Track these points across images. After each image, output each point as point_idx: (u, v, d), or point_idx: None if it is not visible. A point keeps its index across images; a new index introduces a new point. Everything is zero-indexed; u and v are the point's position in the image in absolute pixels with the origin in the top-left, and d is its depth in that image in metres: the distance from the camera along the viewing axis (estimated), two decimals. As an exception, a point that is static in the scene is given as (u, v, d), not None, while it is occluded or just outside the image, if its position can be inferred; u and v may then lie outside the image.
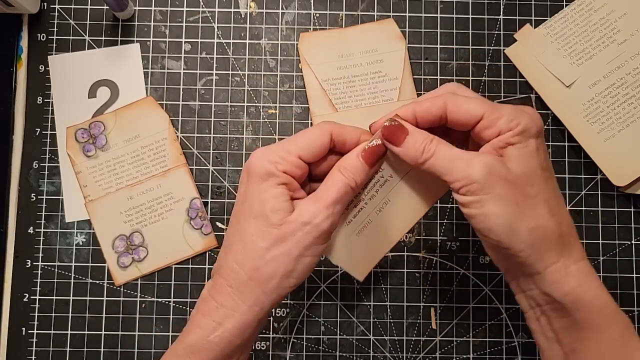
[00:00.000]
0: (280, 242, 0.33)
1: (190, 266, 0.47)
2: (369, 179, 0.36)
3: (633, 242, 0.48)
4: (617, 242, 0.48)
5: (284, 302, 0.47)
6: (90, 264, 0.47)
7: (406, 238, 0.48)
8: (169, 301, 0.47)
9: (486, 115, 0.32)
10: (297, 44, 0.49)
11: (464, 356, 0.47)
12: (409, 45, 0.49)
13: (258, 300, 0.33)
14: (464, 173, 0.32)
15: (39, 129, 0.48)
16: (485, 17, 0.49)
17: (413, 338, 0.47)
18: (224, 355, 0.34)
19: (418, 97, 0.48)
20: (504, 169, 0.31)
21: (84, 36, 0.49)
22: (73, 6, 0.49)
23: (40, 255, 0.47)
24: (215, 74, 0.49)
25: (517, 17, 0.49)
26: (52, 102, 0.48)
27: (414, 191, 0.37)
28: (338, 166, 0.34)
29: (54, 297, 0.47)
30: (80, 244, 0.47)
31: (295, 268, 0.33)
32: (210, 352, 0.33)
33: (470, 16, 0.49)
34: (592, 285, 0.32)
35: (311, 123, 0.48)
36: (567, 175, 0.48)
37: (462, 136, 0.36)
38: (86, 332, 0.47)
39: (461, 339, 0.47)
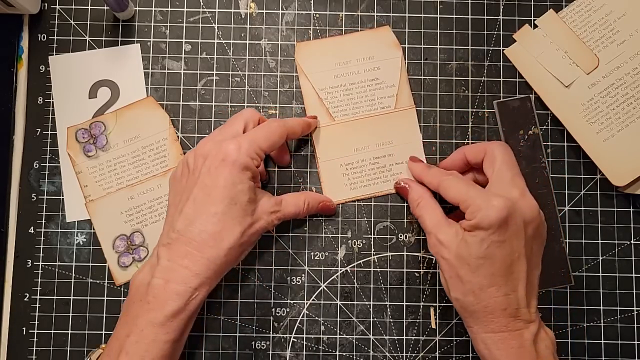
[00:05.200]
0: (252, 229, 0.41)
1: (190, 266, 0.47)
2: None
3: (632, 242, 0.48)
4: (616, 242, 0.48)
5: (283, 301, 0.47)
6: (90, 264, 0.47)
7: (406, 238, 0.48)
8: (170, 301, 0.47)
9: (462, 200, 0.40)
10: (295, 47, 0.49)
11: (464, 356, 0.47)
12: (409, 45, 0.49)
13: (221, 272, 0.40)
14: (429, 241, 0.41)
15: (39, 129, 0.48)
16: (485, 17, 0.49)
17: (413, 337, 0.47)
18: (193, 315, 0.40)
19: (415, 102, 0.49)
20: (445, 250, 0.40)
21: (84, 36, 0.49)
22: (73, 6, 0.49)
23: (41, 255, 0.47)
24: (216, 74, 0.49)
25: (517, 18, 0.49)
26: (52, 102, 0.48)
27: None
28: (306, 198, 0.45)
29: (55, 297, 0.47)
30: (81, 243, 0.47)
31: (246, 251, 0.43)
32: (187, 313, 0.39)
33: (469, 17, 0.49)
34: (496, 353, 0.38)
35: (311, 123, 0.48)
36: (566, 175, 0.48)
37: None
38: (87, 332, 0.47)
39: (460, 339, 0.47)
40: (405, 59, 0.49)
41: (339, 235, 0.48)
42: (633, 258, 0.48)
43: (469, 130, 0.48)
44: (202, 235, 0.39)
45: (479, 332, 0.39)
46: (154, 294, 0.38)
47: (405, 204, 0.48)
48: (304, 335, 0.47)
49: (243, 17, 0.49)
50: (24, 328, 0.47)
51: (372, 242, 0.48)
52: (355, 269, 0.48)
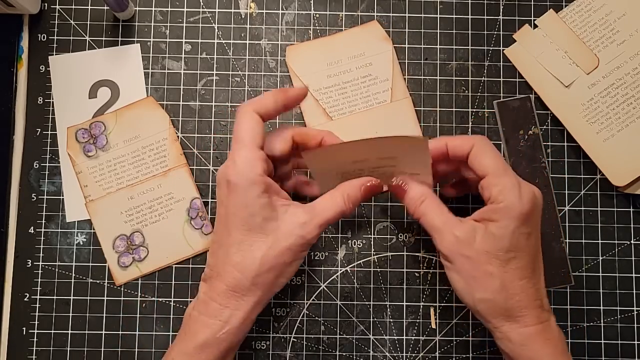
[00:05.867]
0: (274, 251, 0.37)
1: (190, 266, 0.47)
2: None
3: (632, 242, 0.48)
4: (616, 242, 0.48)
5: (284, 301, 0.47)
6: (90, 264, 0.47)
7: (406, 238, 0.48)
8: (170, 301, 0.47)
9: (489, 178, 0.37)
10: (286, 51, 0.49)
11: (464, 356, 0.47)
12: (409, 45, 0.49)
13: (259, 300, 0.39)
14: (438, 244, 0.38)
15: (39, 129, 0.48)
16: (485, 17, 0.49)
17: (412, 337, 0.47)
18: (230, 348, 0.39)
19: (410, 96, 0.49)
20: (466, 247, 0.37)
21: (84, 36, 0.49)
22: (73, 6, 0.49)
23: (41, 255, 0.47)
24: (216, 74, 0.49)
25: (517, 18, 0.49)
26: (52, 102, 0.48)
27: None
28: (342, 191, 0.39)
29: (55, 297, 0.47)
30: (81, 243, 0.47)
31: (287, 270, 0.39)
32: (219, 347, 0.38)
33: (469, 17, 0.49)
34: (535, 347, 0.37)
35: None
36: (566, 175, 0.48)
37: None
38: (87, 332, 0.47)
39: (460, 339, 0.47)
40: (405, 59, 0.49)
41: (339, 235, 0.48)
42: (633, 258, 0.48)
43: (469, 130, 0.48)
44: (227, 268, 0.38)
45: (512, 329, 0.37)
46: (189, 325, 0.39)
47: (405, 204, 0.48)
48: (304, 335, 0.47)
49: (243, 17, 0.49)
50: (24, 328, 0.47)
51: (372, 242, 0.48)
52: (355, 269, 0.48)
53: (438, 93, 0.49)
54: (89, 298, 0.47)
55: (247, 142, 0.37)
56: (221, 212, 0.38)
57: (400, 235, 0.48)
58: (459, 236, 0.37)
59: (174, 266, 0.47)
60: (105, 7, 0.49)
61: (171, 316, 0.47)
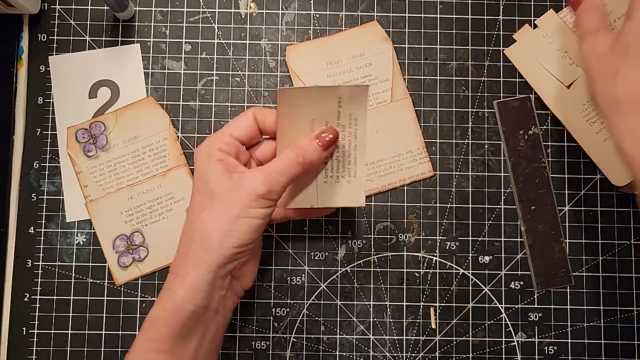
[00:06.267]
0: (218, 205, 0.37)
1: (190, 266, 0.47)
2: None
3: (632, 242, 0.48)
4: (616, 242, 0.48)
5: (283, 301, 0.47)
6: (90, 264, 0.47)
7: (406, 238, 0.48)
8: (170, 301, 0.47)
9: None
10: (286, 51, 0.49)
11: (464, 356, 0.47)
12: (409, 45, 0.49)
13: (201, 261, 0.36)
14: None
15: (39, 129, 0.48)
16: (485, 17, 0.49)
17: (412, 337, 0.47)
18: (180, 324, 0.36)
19: (410, 96, 0.48)
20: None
21: (84, 36, 0.49)
22: (73, 6, 0.49)
23: (41, 255, 0.47)
24: (216, 74, 0.49)
25: (517, 18, 0.49)
26: (52, 102, 0.48)
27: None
28: (292, 146, 0.39)
29: (55, 297, 0.47)
30: (81, 243, 0.47)
31: (234, 227, 0.36)
32: (167, 322, 0.36)
33: (469, 17, 0.49)
34: None
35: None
36: (566, 175, 0.48)
37: None
38: (87, 332, 0.47)
39: (460, 339, 0.47)
40: (405, 59, 0.49)
41: (339, 235, 0.48)
42: (633, 258, 0.48)
43: (469, 130, 0.48)
44: (181, 237, 0.39)
45: None
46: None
47: (406, 204, 0.48)
48: (304, 335, 0.47)
49: (243, 17, 0.49)
50: (24, 328, 0.47)
51: (372, 242, 0.48)
52: (355, 269, 0.48)
53: (438, 93, 0.49)
54: (89, 298, 0.47)
55: (223, 128, 0.40)
56: (193, 186, 0.39)
57: (400, 235, 0.48)
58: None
59: (174, 266, 0.47)
60: (105, 7, 0.49)
61: (171, 316, 0.47)
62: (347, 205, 0.42)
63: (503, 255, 0.48)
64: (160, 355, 0.36)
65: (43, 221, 0.47)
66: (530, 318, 0.47)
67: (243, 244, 0.37)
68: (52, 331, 0.47)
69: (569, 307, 0.47)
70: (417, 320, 0.47)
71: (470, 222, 0.48)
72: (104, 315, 0.47)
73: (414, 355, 0.47)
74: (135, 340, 0.37)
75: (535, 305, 0.47)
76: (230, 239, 0.36)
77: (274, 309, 0.47)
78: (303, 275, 0.47)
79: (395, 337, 0.47)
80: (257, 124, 0.40)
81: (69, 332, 0.47)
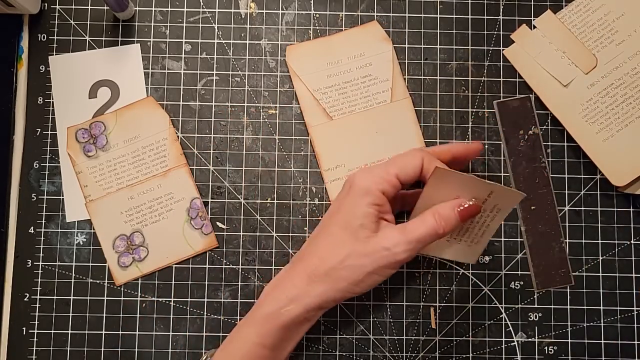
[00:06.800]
0: (359, 256, 0.39)
1: (190, 266, 0.47)
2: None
3: (632, 242, 0.48)
4: (616, 242, 0.48)
5: (284, 301, 0.47)
6: (90, 264, 0.47)
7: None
8: (170, 301, 0.47)
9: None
10: (286, 50, 0.49)
11: (464, 356, 0.47)
12: (409, 45, 0.49)
13: (326, 293, 0.39)
14: None
15: (39, 129, 0.48)
16: (485, 17, 0.49)
17: (412, 337, 0.47)
18: (288, 327, 0.40)
19: (410, 96, 0.49)
20: None
21: (84, 36, 0.49)
22: (73, 6, 0.49)
23: (41, 255, 0.47)
24: (216, 74, 0.49)
25: (517, 18, 0.49)
26: (52, 102, 0.48)
27: None
28: (433, 211, 0.39)
29: (55, 297, 0.47)
30: (81, 243, 0.47)
31: (364, 280, 0.39)
32: (280, 321, 0.39)
33: (469, 17, 0.50)
34: None
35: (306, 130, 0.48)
36: (566, 175, 0.48)
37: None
38: (87, 332, 0.47)
39: (460, 339, 0.47)
40: (405, 59, 0.49)
41: (339, 235, 0.48)
42: (633, 258, 0.48)
43: (469, 130, 0.49)
44: (311, 255, 0.40)
45: None
46: (261, 299, 0.41)
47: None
48: (304, 335, 0.47)
49: (243, 17, 0.49)
50: (24, 328, 0.46)
51: (372, 242, 0.48)
52: (355, 268, 0.47)
53: (438, 93, 0.49)
54: (89, 298, 0.47)
55: (390, 165, 0.40)
56: (334, 207, 0.41)
57: (400, 235, 0.48)
58: None
59: (173, 266, 0.47)
60: (105, 7, 0.49)
61: (171, 316, 0.47)
62: (458, 260, 0.43)
63: (503, 255, 0.48)
64: (265, 351, 0.39)
65: (43, 221, 0.47)
66: (530, 318, 0.47)
67: (362, 293, 0.40)
68: (52, 331, 0.47)
69: (569, 307, 0.47)
70: (417, 320, 0.47)
71: (470, 222, 0.48)
72: (104, 315, 0.47)
73: (414, 355, 0.47)
74: (238, 329, 0.41)
75: (535, 305, 0.47)
76: (357, 288, 0.40)
77: (274, 309, 0.47)
78: (303, 275, 0.47)
79: (395, 337, 0.47)
80: (423, 171, 0.40)
81: (69, 332, 0.47)
